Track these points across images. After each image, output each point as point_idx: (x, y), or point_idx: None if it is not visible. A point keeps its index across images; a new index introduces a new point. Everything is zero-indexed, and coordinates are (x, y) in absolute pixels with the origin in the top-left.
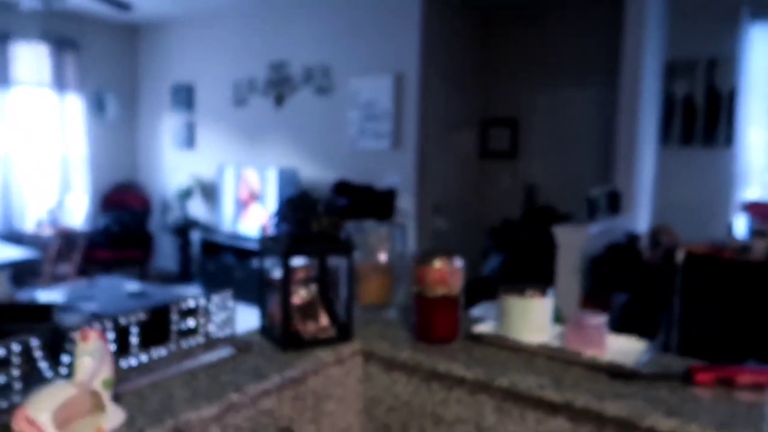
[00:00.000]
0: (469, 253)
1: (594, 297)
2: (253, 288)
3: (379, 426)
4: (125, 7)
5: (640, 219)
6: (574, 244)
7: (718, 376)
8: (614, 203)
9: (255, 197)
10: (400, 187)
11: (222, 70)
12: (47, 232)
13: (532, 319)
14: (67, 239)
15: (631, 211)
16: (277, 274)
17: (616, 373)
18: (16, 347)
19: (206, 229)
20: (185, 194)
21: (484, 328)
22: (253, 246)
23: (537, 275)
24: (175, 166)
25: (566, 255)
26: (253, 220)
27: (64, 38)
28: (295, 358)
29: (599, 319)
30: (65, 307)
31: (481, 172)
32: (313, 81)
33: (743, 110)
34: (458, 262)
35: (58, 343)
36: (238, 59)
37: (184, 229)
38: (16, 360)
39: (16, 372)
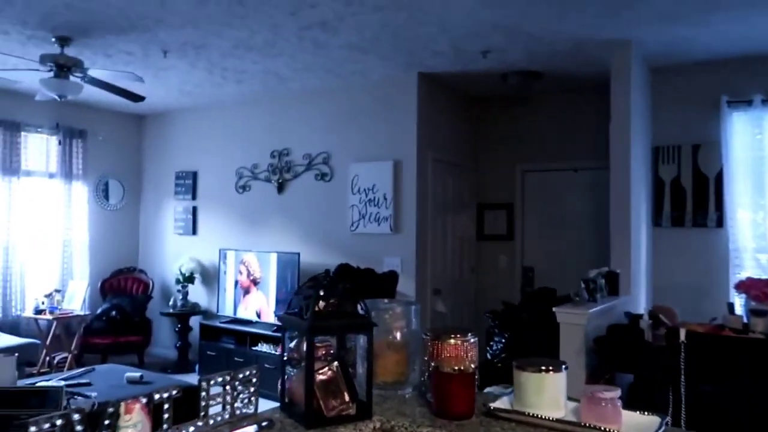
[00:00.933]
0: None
1: (598, 377)
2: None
3: None
4: (139, 99)
5: (638, 299)
6: (576, 324)
7: None
8: (612, 284)
9: (255, 282)
10: (401, 270)
11: (225, 158)
12: (45, 318)
13: (548, 394)
14: (65, 325)
15: (629, 291)
16: (292, 350)
17: None
18: (59, 422)
19: (206, 313)
20: (186, 279)
21: (500, 403)
22: (254, 330)
23: (540, 356)
24: (176, 251)
25: (569, 336)
26: (253, 304)
27: (73, 128)
28: None
29: (613, 393)
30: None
31: (479, 254)
32: (313, 167)
33: (730, 192)
34: (472, 339)
35: (96, 422)
36: (241, 147)
37: (184, 314)
38: None
39: None
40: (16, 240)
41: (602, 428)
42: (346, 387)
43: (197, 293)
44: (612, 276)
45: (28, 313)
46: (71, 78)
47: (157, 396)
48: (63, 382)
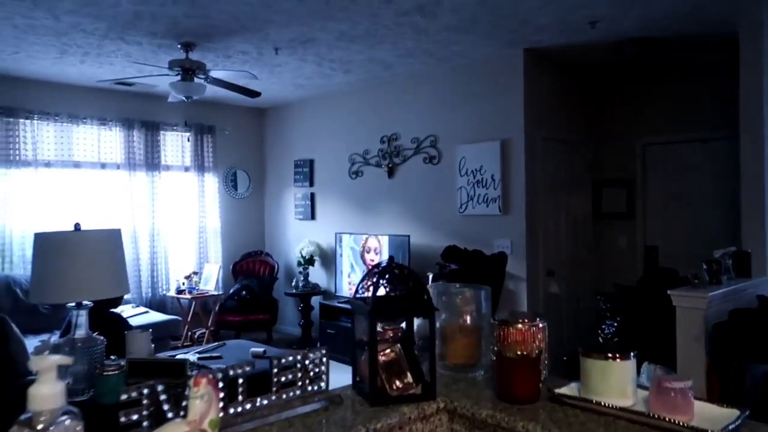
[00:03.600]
0: (584, 319)
1: (722, 367)
2: None
3: None
4: (255, 94)
5: None
6: (694, 309)
7: None
8: (742, 265)
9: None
10: (511, 251)
11: (339, 146)
12: (186, 297)
13: (614, 382)
14: (202, 304)
15: (765, 272)
16: (360, 333)
17: None
18: (146, 390)
19: (326, 294)
20: (307, 262)
21: (566, 389)
22: None
23: (655, 342)
24: (297, 235)
25: (685, 321)
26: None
27: (203, 125)
28: (381, 413)
29: (684, 383)
30: (198, 366)
31: (597, 234)
32: (421, 151)
33: None
34: (540, 324)
35: (182, 392)
36: (353, 134)
37: (305, 294)
38: (146, 401)
39: (145, 412)
40: (160, 227)
41: (669, 419)
42: (410, 368)
43: (317, 274)
44: (742, 256)
45: (172, 292)
46: (195, 80)
47: (231, 372)
48: (197, 355)
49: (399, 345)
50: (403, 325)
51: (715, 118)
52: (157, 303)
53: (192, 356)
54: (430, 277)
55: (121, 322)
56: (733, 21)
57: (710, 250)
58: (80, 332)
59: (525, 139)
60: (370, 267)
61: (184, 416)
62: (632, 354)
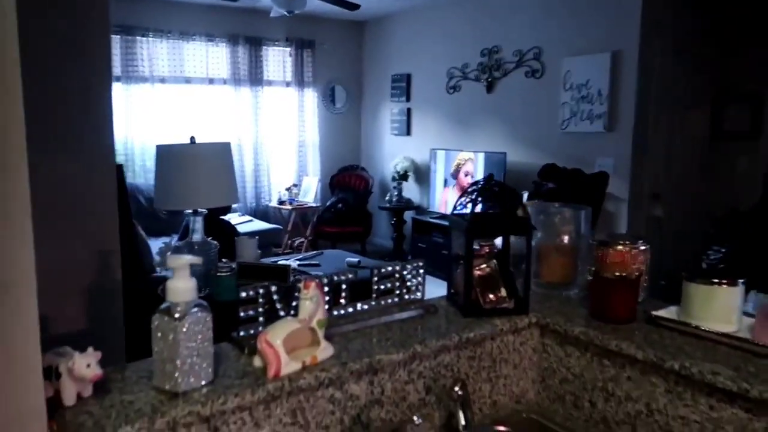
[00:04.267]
0: (689, 244)
1: None
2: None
3: (552, 395)
4: (354, 7)
5: None
6: None
7: None
8: None
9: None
10: (613, 172)
11: (437, 59)
12: (286, 208)
13: (717, 308)
14: (302, 215)
15: None
16: (457, 247)
17: None
18: (261, 290)
19: (419, 209)
20: (401, 177)
21: (664, 312)
22: None
23: (765, 271)
24: (392, 150)
25: None
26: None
27: (303, 39)
28: (474, 323)
29: None
30: (298, 272)
31: (713, 156)
32: (524, 64)
33: None
34: (642, 246)
35: (291, 294)
36: (452, 48)
37: (399, 209)
38: (261, 300)
39: (260, 309)
40: (263, 141)
41: None
42: (504, 283)
43: (410, 190)
44: None
45: (274, 203)
46: None
47: (335, 278)
48: (297, 262)
49: (495, 261)
50: (499, 241)
51: None
52: (260, 212)
53: (293, 262)
54: (525, 195)
55: (231, 229)
56: None
57: None
58: (196, 236)
59: (639, 49)
60: (464, 185)
61: (295, 315)
62: (741, 281)
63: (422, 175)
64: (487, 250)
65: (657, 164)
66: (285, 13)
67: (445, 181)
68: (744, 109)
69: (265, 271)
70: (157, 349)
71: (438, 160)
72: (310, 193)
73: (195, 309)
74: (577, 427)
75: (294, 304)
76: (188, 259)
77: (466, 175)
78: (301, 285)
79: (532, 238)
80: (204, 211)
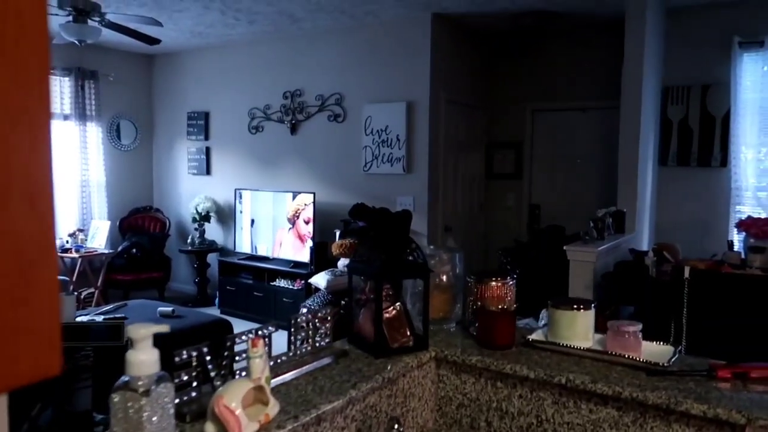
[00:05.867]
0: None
1: (603, 309)
2: (269, 307)
3: (449, 420)
4: (156, 42)
5: (643, 236)
6: (586, 262)
7: (735, 371)
8: (619, 222)
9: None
10: (413, 208)
11: (237, 99)
12: (71, 256)
13: (578, 328)
14: (89, 262)
15: (634, 229)
16: (360, 293)
17: (653, 370)
18: (195, 353)
19: (223, 250)
20: (203, 218)
21: (536, 336)
22: (271, 266)
23: (550, 292)
24: (191, 190)
25: (578, 272)
26: (288, 244)
27: (84, 69)
28: (388, 363)
29: (635, 327)
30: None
31: (488, 192)
32: (326, 108)
33: (736, 131)
34: (511, 282)
35: (221, 354)
36: (253, 88)
37: (202, 251)
38: (195, 363)
39: (194, 373)
40: None
41: (625, 355)
42: (407, 323)
43: (213, 231)
44: (619, 215)
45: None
46: (89, 22)
47: (260, 332)
48: (101, 317)
49: (399, 303)
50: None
51: (597, 89)
52: None
53: (97, 317)
54: (338, 234)
55: None
56: (620, 1)
57: (586, 209)
58: None
59: (430, 100)
60: (302, 232)
61: (225, 375)
62: (593, 305)
63: (225, 215)
64: (385, 293)
65: (447, 201)
66: (75, 42)
67: (252, 221)
68: (509, 154)
69: (94, 331)
70: (118, 430)
71: (243, 200)
72: (98, 238)
73: (158, 382)
74: None
75: (224, 363)
76: (153, 329)
77: (307, 223)
78: (248, 344)
79: (429, 280)
80: None
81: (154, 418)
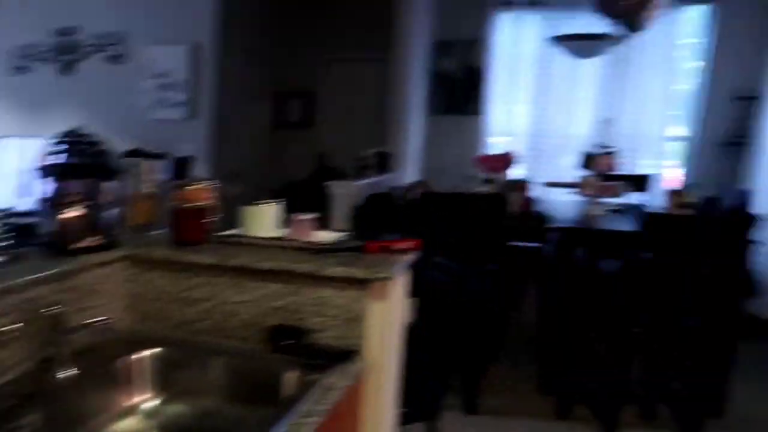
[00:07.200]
0: None
1: (364, 236)
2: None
3: (143, 316)
4: None
5: (409, 176)
6: (344, 196)
7: (381, 245)
8: (383, 163)
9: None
10: (196, 155)
11: None
12: None
13: (264, 221)
14: None
15: (401, 169)
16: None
17: (317, 249)
18: None
19: None
20: None
21: (229, 232)
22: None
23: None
24: None
25: (338, 205)
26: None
27: None
28: (65, 261)
29: (309, 217)
30: None
31: (276, 141)
32: (104, 49)
33: (490, 84)
34: (209, 184)
35: None
36: (15, 25)
37: None
38: None
39: None
40: None
41: (297, 239)
42: (96, 225)
43: None
44: (383, 155)
45: None
46: None
47: None
48: None
49: (85, 204)
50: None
51: (375, 42)
52: None
53: None
54: None
55: None
56: None
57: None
58: None
59: (215, 44)
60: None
61: None
62: (278, 201)
63: None
64: (78, 197)
65: (235, 149)
66: None
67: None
68: (298, 103)
69: None
70: None
71: (9, 149)
72: None
73: None
74: (167, 333)
75: None
76: None
77: None
78: None
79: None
80: None
81: None
